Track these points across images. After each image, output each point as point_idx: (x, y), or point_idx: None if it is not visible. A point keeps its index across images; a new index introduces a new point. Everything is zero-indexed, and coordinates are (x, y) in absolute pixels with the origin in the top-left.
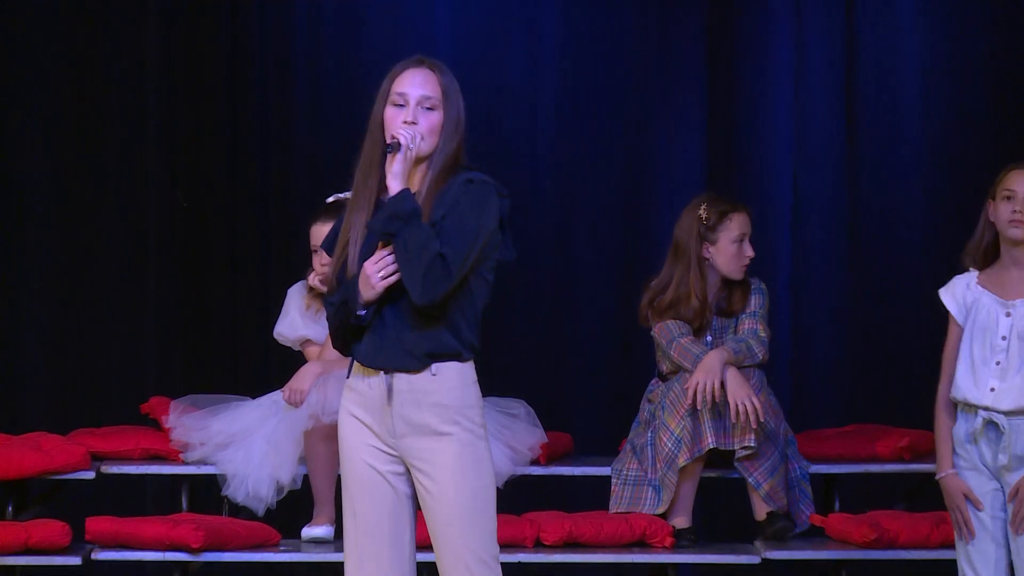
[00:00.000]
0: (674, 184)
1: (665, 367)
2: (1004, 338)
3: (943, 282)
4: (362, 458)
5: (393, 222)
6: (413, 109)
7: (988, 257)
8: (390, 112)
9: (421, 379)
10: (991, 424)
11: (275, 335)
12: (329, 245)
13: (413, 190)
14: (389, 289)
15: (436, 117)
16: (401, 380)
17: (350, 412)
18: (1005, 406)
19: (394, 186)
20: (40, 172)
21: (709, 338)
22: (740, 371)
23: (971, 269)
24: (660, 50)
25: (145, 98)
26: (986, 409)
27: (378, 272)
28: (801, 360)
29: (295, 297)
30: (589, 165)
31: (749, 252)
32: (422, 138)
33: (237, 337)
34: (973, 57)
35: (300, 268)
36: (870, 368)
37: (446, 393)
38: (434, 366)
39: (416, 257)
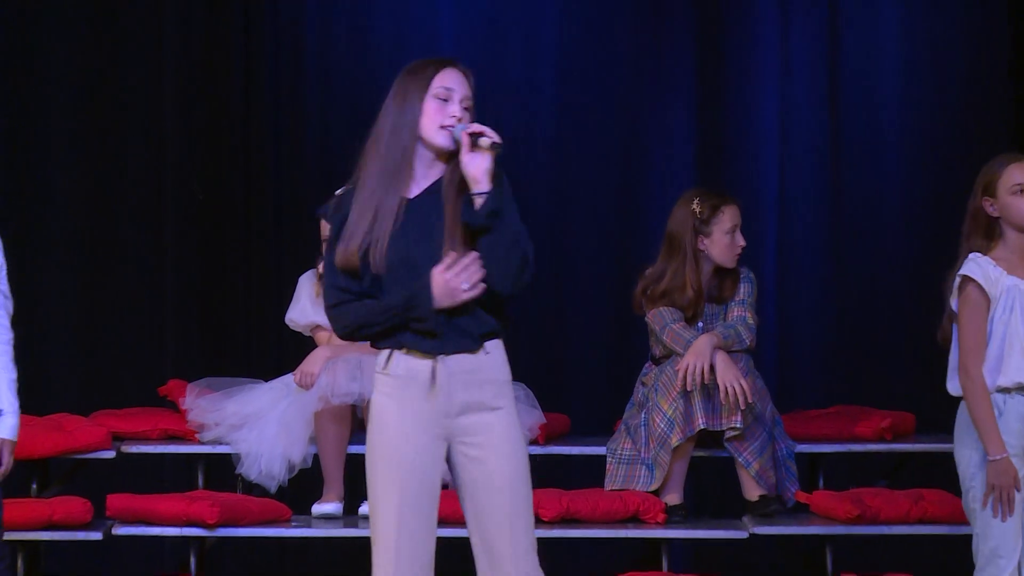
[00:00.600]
0: (666, 178)
1: (658, 351)
2: None
3: (924, 270)
4: (408, 444)
5: (492, 216)
6: (459, 105)
7: (990, 246)
8: (433, 104)
9: (476, 359)
10: None
11: (287, 321)
12: (338, 230)
13: (432, 181)
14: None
15: (469, 118)
16: (456, 361)
17: (391, 397)
18: None
19: (485, 184)
20: (64, 166)
21: (700, 324)
22: (729, 355)
23: (975, 254)
24: (652, 52)
25: (163, 96)
26: None
27: (464, 281)
28: (786, 344)
29: (306, 285)
30: (585, 160)
31: (741, 242)
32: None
33: (250, 323)
34: (949, 59)
35: (310, 257)
36: (852, 352)
37: (497, 369)
38: (487, 345)
39: (512, 253)
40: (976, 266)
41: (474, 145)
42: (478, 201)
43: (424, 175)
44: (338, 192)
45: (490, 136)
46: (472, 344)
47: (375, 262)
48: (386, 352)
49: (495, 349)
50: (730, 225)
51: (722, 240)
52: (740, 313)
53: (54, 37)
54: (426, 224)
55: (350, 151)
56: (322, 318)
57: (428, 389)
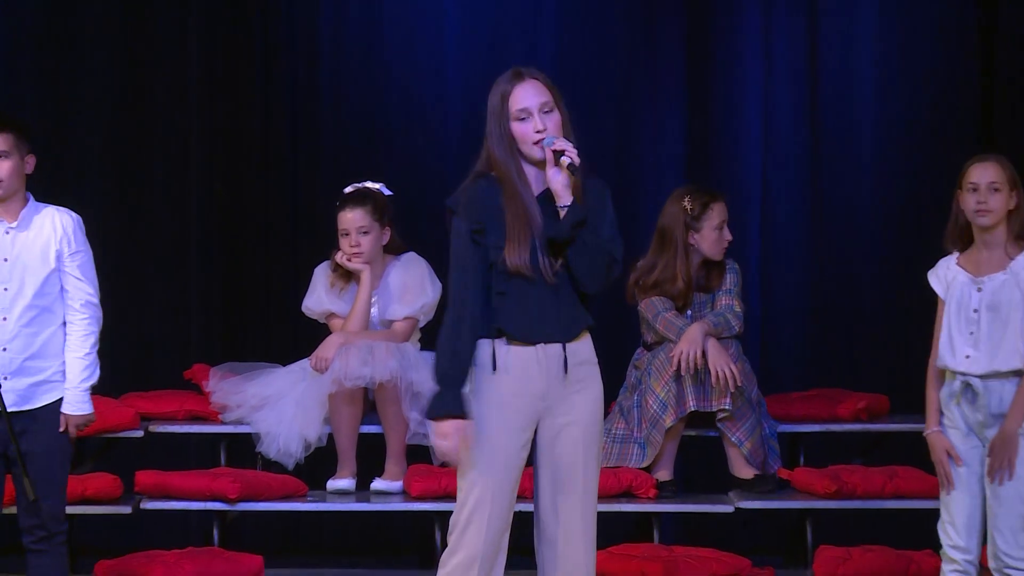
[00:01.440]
0: (658, 175)
1: (650, 338)
2: (976, 311)
3: (896, 261)
4: (513, 432)
5: (575, 229)
6: (539, 117)
7: (966, 240)
8: (518, 128)
9: (578, 345)
10: (967, 387)
11: (303, 309)
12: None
13: (570, 197)
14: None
15: (556, 116)
16: (575, 347)
17: (503, 396)
18: (979, 370)
19: (566, 197)
20: (95, 163)
21: (689, 312)
22: (719, 341)
23: (953, 252)
24: (645, 58)
25: (188, 100)
26: (963, 374)
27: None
28: (770, 331)
29: (321, 276)
30: (583, 159)
31: (728, 236)
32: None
33: (269, 311)
34: (921, 64)
35: (325, 249)
36: (831, 338)
37: (589, 351)
38: (582, 336)
39: (597, 258)
40: (933, 272)
41: (556, 161)
42: (562, 214)
43: (540, 180)
44: (348, 189)
45: (570, 155)
46: (573, 334)
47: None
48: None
49: (588, 337)
50: (718, 221)
51: (711, 235)
52: (728, 302)
53: (89, 46)
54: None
55: (361, 151)
56: (336, 306)
57: (543, 374)
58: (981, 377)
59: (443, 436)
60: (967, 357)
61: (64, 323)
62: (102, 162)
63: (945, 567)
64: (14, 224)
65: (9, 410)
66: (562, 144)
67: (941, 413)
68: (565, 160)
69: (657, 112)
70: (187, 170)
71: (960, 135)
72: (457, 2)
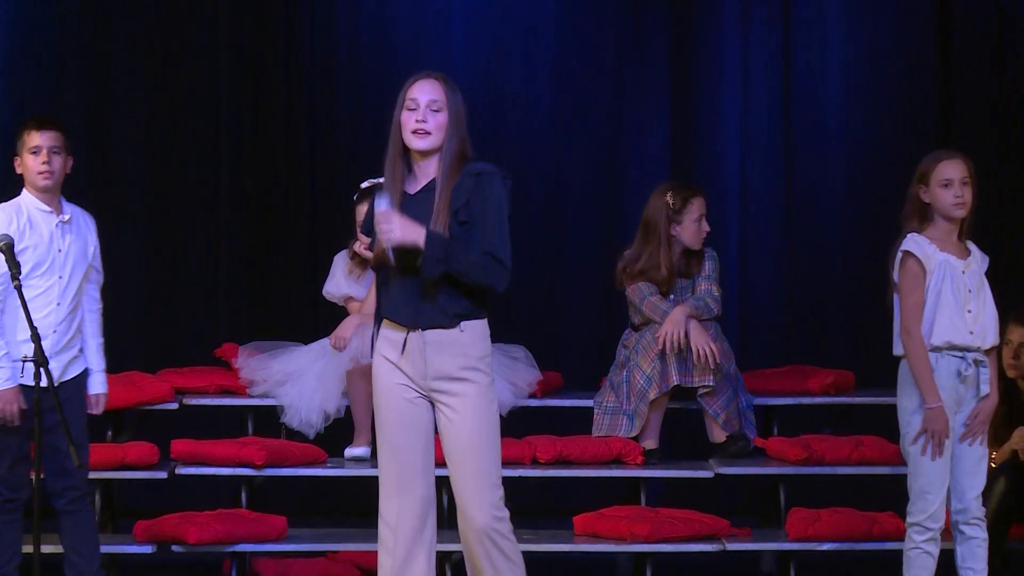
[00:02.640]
0: (644, 171)
1: (637, 320)
2: (971, 291)
3: (861, 251)
4: (398, 395)
5: (439, 264)
6: (423, 111)
7: (923, 228)
8: (404, 116)
9: (452, 334)
10: (977, 363)
11: (324, 293)
12: (368, 228)
13: (429, 178)
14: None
15: (442, 117)
16: (435, 335)
17: (384, 355)
18: (986, 344)
19: (419, 237)
20: (135, 161)
21: (672, 297)
22: (700, 323)
23: (912, 233)
24: (633, 65)
25: (218, 101)
26: (974, 349)
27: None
28: (747, 312)
29: (340, 263)
30: (576, 155)
31: (706, 227)
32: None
33: (292, 295)
34: (885, 68)
35: (343, 239)
36: (802, 319)
37: (471, 345)
38: (462, 324)
39: (473, 268)
40: (914, 243)
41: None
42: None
43: (424, 173)
44: (365, 185)
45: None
46: (447, 321)
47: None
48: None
49: (471, 328)
50: (698, 214)
51: (691, 227)
52: (707, 287)
53: (126, 44)
54: (422, 214)
55: (375, 147)
56: (354, 291)
57: (413, 354)
58: (987, 351)
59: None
60: (971, 333)
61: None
62: (139, 160)
63: (917, 537)
64: (65, 219)
65: (58, 383)
66: (389, 234)
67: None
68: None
69: (643, 113)
70: (218, 169)
71: (919, 133)
72: (463, 7)
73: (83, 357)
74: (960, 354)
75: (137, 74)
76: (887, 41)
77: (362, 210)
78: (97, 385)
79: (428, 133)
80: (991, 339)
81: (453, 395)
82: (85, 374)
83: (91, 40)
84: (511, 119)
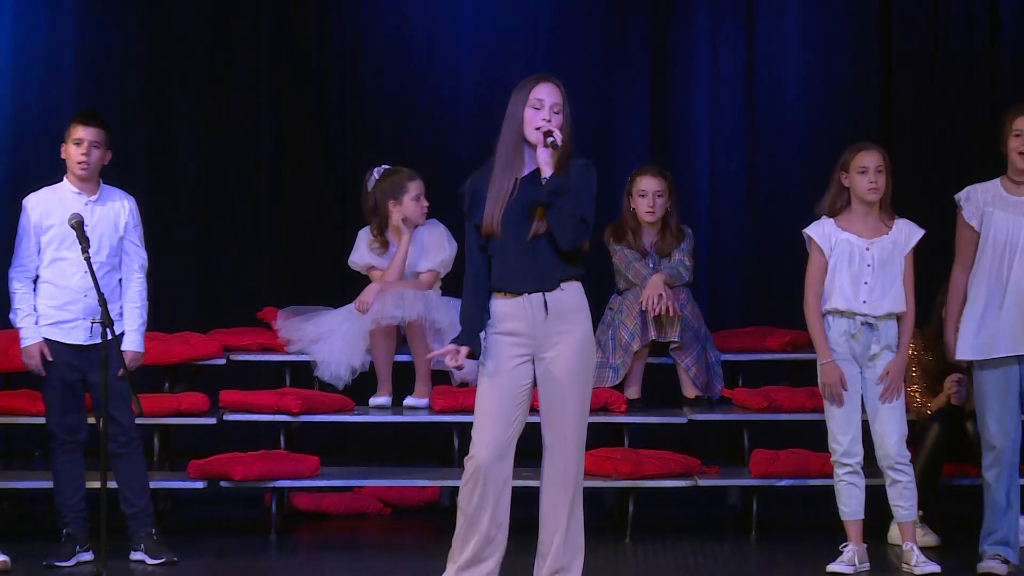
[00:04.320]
0: (627, 154)
1: (622, 285)
2: (869, 265)
3: None
4: (517, 363)
5: (552, 196)
6: (548, 110)
7: (838, 210)
8: (529, 112)
9: (558, 294)
10: (868, 326)
11: (349, 263)
12: (472, 205)
13: (551, 170)
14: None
15: (560, 119)
16: (550, 297)
17: (499, 334)
18: (880, 312)
19: (547, 171)
20: (187, 149)
21: (651, 264)
22: (672, 289)
23: (823, 217)
24: (618, 66)
25: (260, 98)
26: (863, 315)
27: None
28: (716, 280)
29: (363, 237)
30: (572, 146)
31: (647, 204)
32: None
33: (323, 265)
34: (835, 67)
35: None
36: (764, 285)
37: (573, 299)
38: (563, 284)
39: (568, 220)
40: (817, 226)
41: (544, 143)
42: (544, 183)
43: (534, 161)
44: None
45: (555, 136)
46: (552, 284)
47: (488, 217)
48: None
49: (570, 287)
50: (641, 189)
51: (638, 201)
52: (680, 257)
53: (180, 45)
54: (532, 195)
55: (393, 135)
56: (375, 261)
57: (530, 315)
58: (878, 318)
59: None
60: (864, 302)
61: (120, 279)
62: (193, 153)
63: (839, 471)
64: (94, 198)
65: (89, 343)
66: (551, 127)
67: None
68: (550, 140)
69: (626, 106)
70: (260, 159)
71: (865, 122)
72: (470, 14)
73: (120, 320)
74: (851, 318)
75: (188, 75)
76: (836, 47)
77: (366, 187)
78: (128, 342)
79: (549, 120)
80: (886, 307)
81: (559, 339)
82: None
83: (150, 45)
84: None
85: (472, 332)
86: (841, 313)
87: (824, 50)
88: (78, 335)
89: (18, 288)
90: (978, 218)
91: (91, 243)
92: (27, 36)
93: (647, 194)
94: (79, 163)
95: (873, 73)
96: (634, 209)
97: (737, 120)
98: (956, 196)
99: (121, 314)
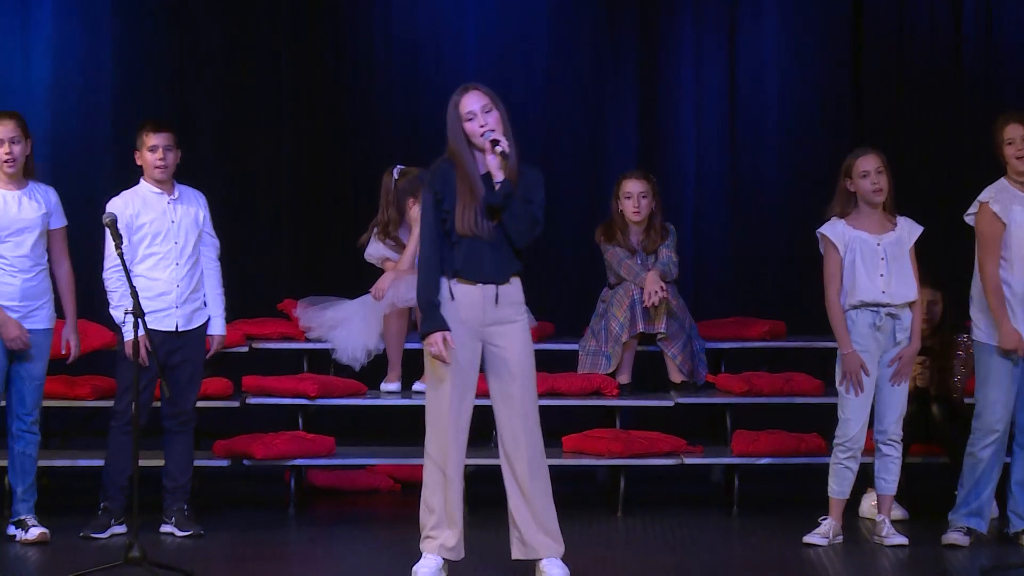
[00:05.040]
0: (618, 158)
1: (612, 280)
2: (883, 259)
3: (793, 223)
4: (465, 344)
5: (506, 199)
6: (481, 115)
7: (847, 213)
8: (467, 126)
9: (507, 287)
10: (890, 316)
11: (365, 256)
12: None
13: (503, 175)
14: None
15: (494, 116)
16: (502, 288)
17: (451, 317)
18: (898, 301)
19: (498, 175)
20: (214, 152)
21: (639, 260)
22: (665, 283)
23: (834, 218)
24: (610, 75)
25: (281, 106)
26: (886, 305)
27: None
28: (700, 273)
29: (374, 232)
30: (564, 146)
31: (633, 206)
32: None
33: (339, 259)
34: (811, 74)
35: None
36: (745, 279)
37: (518, 293)
38: (512, 278)
39: (522, 220)
40: (829, 226)
41: (492, 149)
42: (497, 187)
43: (484, 164)
44: (396, 170)
45: (502, 145)
46: (504, 278)
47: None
48: (450, 287)
49: (516, 282)
50: (625, 192)
51: (625, 203)
52: (668, 254)
53: (204, 45)
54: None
55: (403, 137)
56: (388, 253)
57: (478, 305)
58: (898, 307)
59: (433, 344)
60: (883, 292)
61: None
62: (219, 156)
63: (840, 455)
64: (175, 196)
65: (180, 330)
66: (496, 136)
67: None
68: (498, 148)
69: (618, 111)
70: (281, 163)
71: (838, 128)
72: (474, 28)
73: (205, 309)
74: (874, 309)
75: (214, 86)
76: (812, 55)
77: (388, 188)
78: (214, 327)
79: (493, 129)
80: (903, 296)
81: (507, 329)
82: (207, 324)
83: (179, 59)
84: (513, 116)
85: (438, 315)
86: (866, 305)
87: (800, 60)
88: (169, 323)
89: (118, 286)
90: (1006, 214)
91: (178, 239)
92: (67, 53)
93: (632, 196)
94: (157, 167)
95: (845, 80)
96: (621, 210)
97: (720, 126)
98: (979, 198)
99: (206, 302)
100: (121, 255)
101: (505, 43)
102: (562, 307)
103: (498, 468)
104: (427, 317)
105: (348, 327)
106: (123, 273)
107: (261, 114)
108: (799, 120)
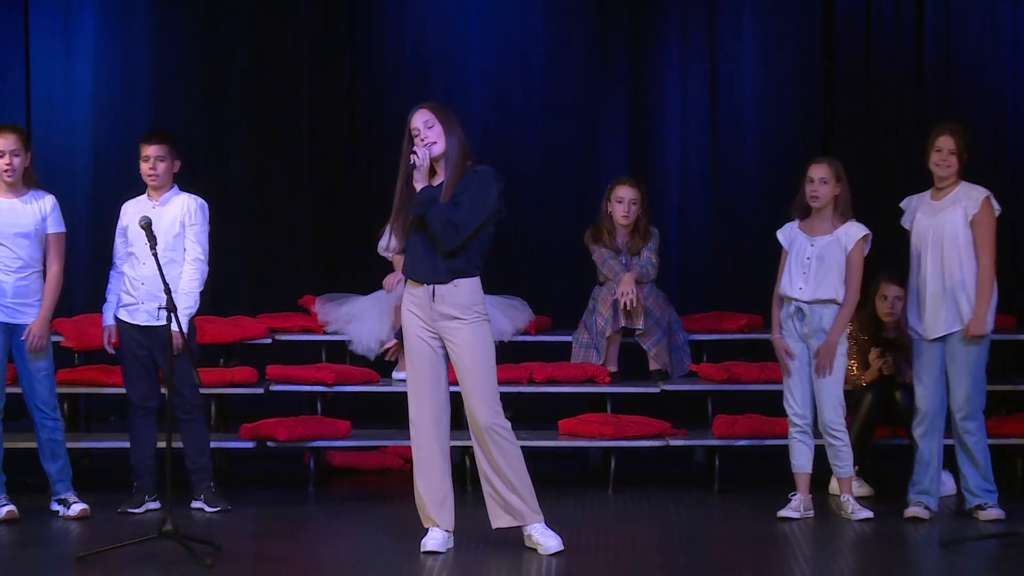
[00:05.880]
0: (609, 165)
1: (601, 278)
2: (808, 259)
3: (767, 226)
4: (417, 335)
5: (422, 207)
6: (423, 132)
7: (806, 212)
8: (414, 142)
9: (448, 288)
10: (798, 309)
11: (379, 251)
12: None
13: (438, 180)
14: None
15: (437, 129)
16: (439, 288)
17: (408, 308)
18: (806, 298)
19: (419, 186)
20: (239, 162)
21: (623, 260)
22: (642, 284)
23: (795, 218)
24: (602, 91)
25: (301, 112)
26: (796, 300)
27: None
28: (685, 272)
29: (389, 228)
30: (560, 155)
31: (623, 210)
32: (428, 154)
33: (353, 259)
34: (785, 90)
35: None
36: (725, 276)
37: (463, 296)
38: (455, 280)
39: (439, 226)
40: (784, 227)
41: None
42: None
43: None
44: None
45: (413, 159)
46: (444, 278)
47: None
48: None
49: (462, 283)
50: (618, 196)
51: (615, 207)
52: (648, 256)
53: (233, 71)
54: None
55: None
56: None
57: (425, 303)
58: (807, 302)
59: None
60: (800, 289)
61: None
62: (244, 165)
63: (791, 430)
64: (157, 202)
65: (143, 324)
66: (415, 148)
67: (781, 326)
68: (411, 161)
69: (609, 124)
70: (300, 170)
71: (809, 141)
72: (478, 43)
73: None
74: (788, 302)
75: (240, 97)
76: (785, 71)
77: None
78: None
79: (435, 142)
80: (816, 295)
81: (453, 334)
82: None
83: (208, 73)
84: (513, 127)
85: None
86: (783, 298)
87: (775, 77)
88: (140, 317)
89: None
90: (909, 221)
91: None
92: (106, 71)
93: (624, 201)
94: (148, 176)
95: (816, 97)
96: (611, 213)
97: (702, 137)
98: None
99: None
100: (156, 255)
101: (505, 62)
102: (559, 302)
103: None
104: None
105: (362, 321)
106: (143, 270)
107: (283, 126)
108: (774, 131)
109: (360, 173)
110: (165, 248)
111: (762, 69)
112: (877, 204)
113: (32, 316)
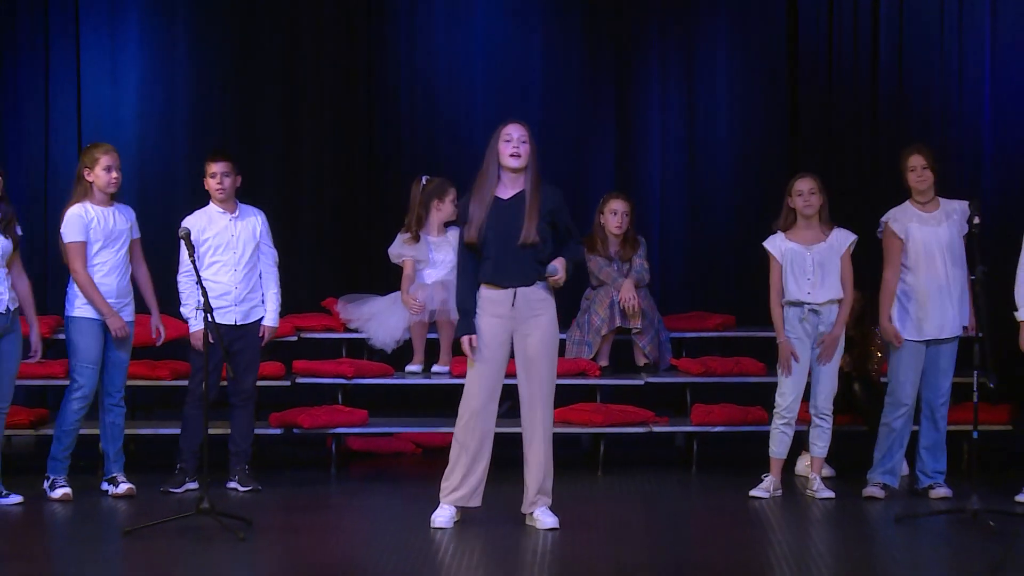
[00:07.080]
0: (598, 181)
1: (594, 283)
2: (811, 266)
3: (741, 236)
4: (495, 337)
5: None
6: (516, 142)
7: (789, 225)
8: (502, 146)
9: (532, 288)
10: (813, 311)
11: (390, 257)
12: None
13: (519, 189)
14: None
15: (527, 147)
16: (522, 290)
17: (489, 314)
18: (820, 300)
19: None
20: (267, 167)
21: (616, 266)
22: (638, 288)
23: (778, 231)
24: (591, 114)
25: (324, 119)
26: (808, 303)
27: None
28: (666, 276)
29: (400, 237)
30: (553, 172)
31: (618, 222)
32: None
33: (371, 264)
34: (756, 112)
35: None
36: (703, 280)
37: (542, 294)
38: (538, 283)
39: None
40: (771, 240)
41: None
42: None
43: (511, 185)
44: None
45: (556, 280)
46: (531, 281)
47: (479, 232)
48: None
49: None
50: (611, 208)
51: (608, 218)
52: (640, 262)
53: (264, 83)
54: (510, 215)
55: (424, 152)
56: (406, 252)
57: (508, 304)
58: (820, 304)
59: (463, 344)
60: (808, 293)
61: (259, 273)
62: (272, 169)
63: (778, 421)
64: (235, 214)
65: (238, 324)
66: (554, 276)
67: (785, 327)
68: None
69: (598, 143)
70: (322, 183)
71: (777, 157)
72: (483, 71)
73: (261, 306)
74: (800, 306)
75: (270, 108)
76: (756, 103)
77: (416, 194)
78: (267, 320)
79: (519, 156)
80: (825, 296)
81: (532, 322)
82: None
83: (241, 84)
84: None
85: (471, 321)
86: (794, 304)
87: (746, 101)
88: (229, 318)
89: (187, 287)
90: (903, 231)
91: (236, 249)
92: (149, 87)
93: (617, 213)
94: (216, 190)
95: (783, 114)
96: (604, 224)
97: (681, 153)
98: (883, 218)
99: (263, 300)
100: (193, 262)
101: (506, 90)
102: (558, 304)
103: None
104: (460, 322)
105: (380, 320)
106: (194, 277)
107: (308, 140)
108: (746, 149)
109: (377, 184)
110: (250, 257)
111: (734, 98)
112: (836, 215)
113: (128, 313)
